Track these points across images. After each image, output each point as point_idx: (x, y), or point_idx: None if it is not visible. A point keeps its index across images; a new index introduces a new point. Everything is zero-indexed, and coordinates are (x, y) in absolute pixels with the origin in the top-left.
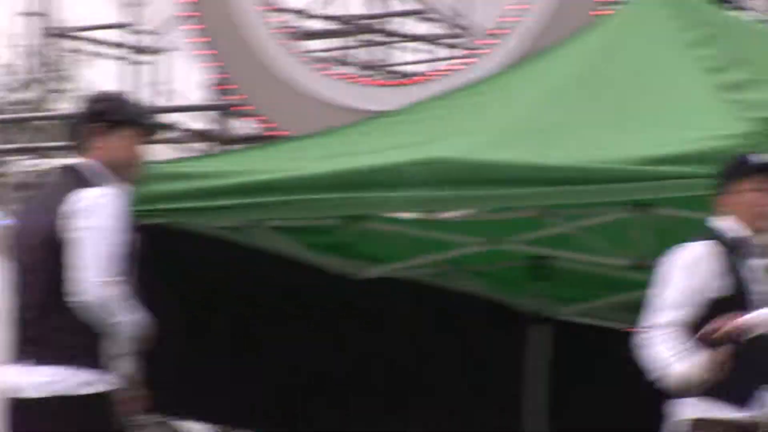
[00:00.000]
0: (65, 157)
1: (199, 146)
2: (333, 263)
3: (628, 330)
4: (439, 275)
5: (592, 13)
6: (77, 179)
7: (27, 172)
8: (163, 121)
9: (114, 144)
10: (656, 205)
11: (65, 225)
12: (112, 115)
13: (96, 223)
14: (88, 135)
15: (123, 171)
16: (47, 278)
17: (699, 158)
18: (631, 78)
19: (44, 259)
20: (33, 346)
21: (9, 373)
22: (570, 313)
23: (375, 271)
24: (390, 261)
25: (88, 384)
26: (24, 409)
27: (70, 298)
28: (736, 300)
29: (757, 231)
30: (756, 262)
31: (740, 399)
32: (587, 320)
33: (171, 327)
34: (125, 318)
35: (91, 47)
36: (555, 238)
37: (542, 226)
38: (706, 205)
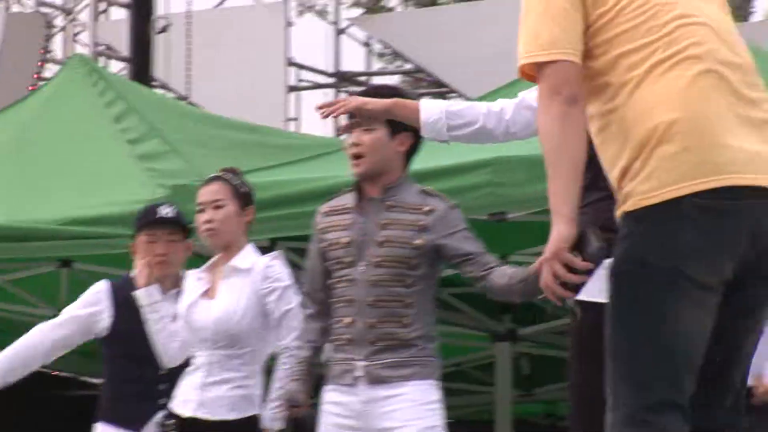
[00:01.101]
0: None
1: None
2: None
3: (50, 373)
4: None
5: (27, 86)
6: None
7: None
8: None
9: None
10: (80, 261)
11: None
12: None
13: None
14: None
15: None
16: None
17: (117, 220)
18: (62, 147)
19: None
20: None
21: None
22: None
23: None
24: None
25: None
26: None
27: None
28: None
29: (158, 276)
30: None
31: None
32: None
33: None
34: None
35: None
36: None
37: None
38: (125, 261)
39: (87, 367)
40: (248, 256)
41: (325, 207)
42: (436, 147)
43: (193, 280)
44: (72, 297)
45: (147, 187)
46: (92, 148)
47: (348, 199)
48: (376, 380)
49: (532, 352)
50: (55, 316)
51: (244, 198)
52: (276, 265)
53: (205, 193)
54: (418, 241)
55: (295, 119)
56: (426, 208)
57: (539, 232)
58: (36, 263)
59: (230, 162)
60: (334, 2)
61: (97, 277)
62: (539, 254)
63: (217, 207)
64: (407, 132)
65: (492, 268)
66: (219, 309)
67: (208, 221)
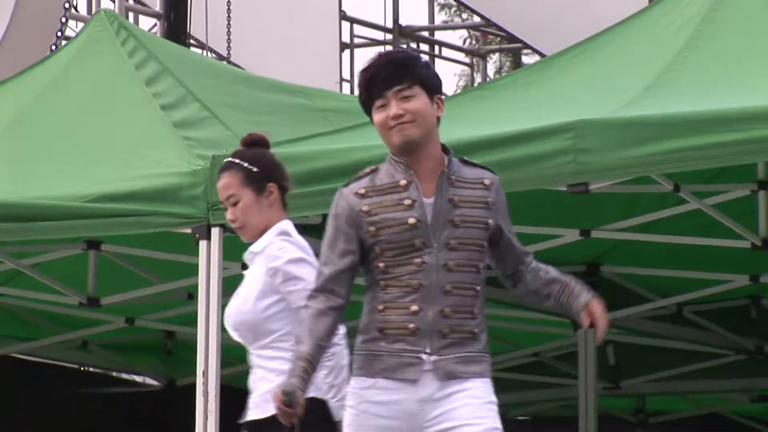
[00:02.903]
0: None
1: None
2: None
3: (79, 369)
4: None
5: (49, 46)
6: None
7: None
8: None
9: None
10: (109, 242)
11: None
12: None
13: None
14: None
15: None
16: None
17: (151, 196)
18: (87, 114)
19: None
20: None
21: None
22: (20, 350)
23: None
24: None
25: None
26: None
27: None
28: None
29: None
30: None
31: None
32: (36, 359)
33: None
34: None
35: None
36: (3, 274)
37: None
38: (154, 242)
39: (116, 362)
40: (267, 236)
41: (356, 187)
42: (507, 109)
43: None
44: (101, 283)
45: (184, 158)
46: (121, 114)
47: (388, 177)
48: (448, 375)
49: (618, 340)
50: (82, 303)
51: (260, 177)
52: (276, 243)
53: (220, 190)
54: (490, 221)
55: (349, 80)
56: (486, 182)
57: (624, 205)
58: (60, 245)
59: (276, 129)
60: None
61: (128, 261)
62: (624, 230)
63: (234, 203)
64: (441, 94)
65: (527, 267)
66: (230, 305)
67: (232, 220)
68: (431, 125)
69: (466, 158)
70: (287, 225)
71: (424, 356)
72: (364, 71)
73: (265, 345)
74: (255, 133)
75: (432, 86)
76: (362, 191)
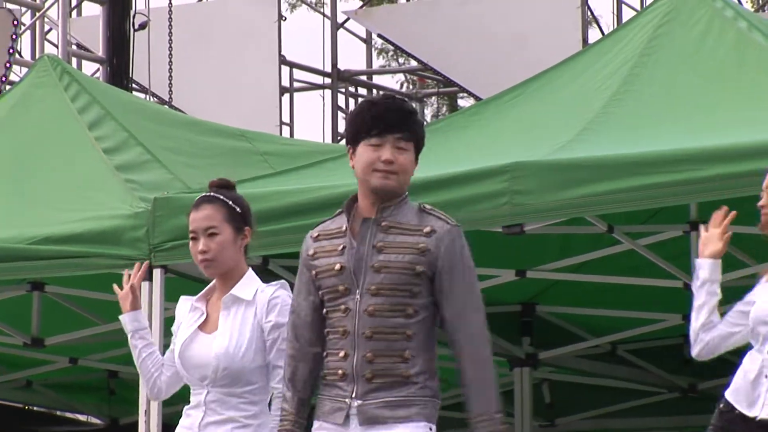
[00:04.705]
0: None
1: None
2: None
3: (24, 408)
4: None
5: None
6: None
7: None
8: None
9: None
10: (53, 284)
11: None
12: None
13: None
14: None
15: None
16: None
17: (94, 238)
18: (31, 157)
19: None
20: None
21: None
22: None
23: None
24: None
25: None
26: None
27: None
28: None
29: None
30: None
31: None
32: None
33: None
34: None
35: None
36: None
37: None
38: (97, 283)
39: (59, 401)
40: (250, 283)
41: (315, 231)
42: (443, 152)
43: (187, 309)
44: (45, 323)
45: (126, 201)
46: (64, 158)
47: (338, 222)
48: (370, 420)
49: (554, 378)
50: (26, 343)
51: (240, 219)
52: (281, 297)
53: (197, 219)
54: (419, 267)
55: (289, 123)
56: (426, 229)
57: (559, 245)
58: (4, 287)
59: (217, 172)
60: None
61: (72, 301)
62: (559, 270)
63: (212, 234)
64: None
65: (462, 340)
66: (220, 345)
67: (204, 251)
68: (408, 183)
69: (425, 206)
70: (252, 273)
71: (348, 401)
72: (373, 105)
73: (240, 394)
74: (227, 179)
75: (420, 148)
76: (316, 234)
